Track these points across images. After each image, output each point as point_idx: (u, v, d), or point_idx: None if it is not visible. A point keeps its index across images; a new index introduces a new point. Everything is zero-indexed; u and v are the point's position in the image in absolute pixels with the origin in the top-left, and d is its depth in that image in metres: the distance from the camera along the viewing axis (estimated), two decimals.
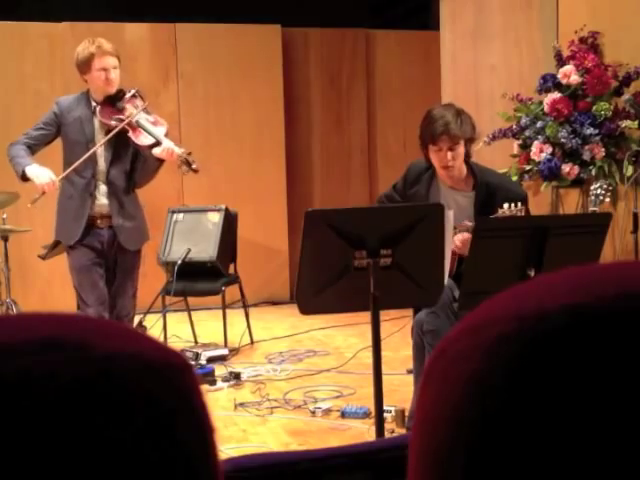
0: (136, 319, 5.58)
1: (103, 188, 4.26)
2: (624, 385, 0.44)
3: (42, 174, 4.14)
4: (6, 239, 5.79)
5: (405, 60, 8.20)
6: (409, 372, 4.46)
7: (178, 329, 6.14)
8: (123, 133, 4.21)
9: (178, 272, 5.50)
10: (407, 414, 3.90)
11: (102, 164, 4.25)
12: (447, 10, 6.32)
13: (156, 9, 7.78)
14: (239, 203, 6.81)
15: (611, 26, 5.00)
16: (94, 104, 4.26)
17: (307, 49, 8.08)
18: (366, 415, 4.11)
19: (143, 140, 4.23)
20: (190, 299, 6.01)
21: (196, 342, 5.96)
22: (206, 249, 5.78)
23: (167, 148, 4.17)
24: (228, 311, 5.82)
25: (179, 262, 5.56)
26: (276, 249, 7.86)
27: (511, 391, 0.46)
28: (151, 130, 4.25)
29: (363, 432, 3.93)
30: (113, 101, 4.27)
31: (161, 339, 5.18)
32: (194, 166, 4.24)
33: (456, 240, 3.51)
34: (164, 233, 5.98)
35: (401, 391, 4.36)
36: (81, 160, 4.15)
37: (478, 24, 6.01)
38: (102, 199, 4.26)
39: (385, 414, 3.40)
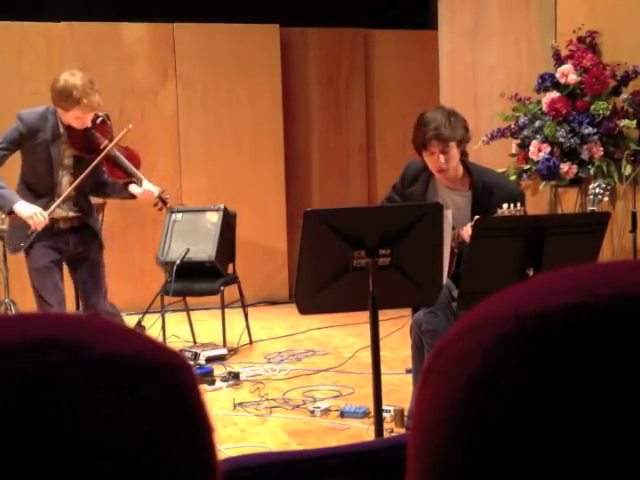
0: (135, 319, 5.60)
1: (65, 205, 4.31)
2: (623, 385, 0.44)
3: (35, 212, 4.12)
4: (4, 239, 5.78)
5: (403, 60, 8.20)
6: (408, 372, 4.46)
7: (177, 329, 6.14)
8: (91, 160, 4.25)
9: (177, 272, 5.49)
10: (406, 414, 3.90)
11: (66, 177, 4.29)
12: (445, 10, 6.32)
13: (154, 9, 7.78)
14: (238, 203, 6.81)
15: (609, 25, 5.00)
16: (62, 129, 4.23)
17: (306, 49, 8.08)
18: (365, 415, 4.12)
19: (119, 177, 4.38)
20: (189, 299, 6.01)
21: (195, 342, 5.96)
22: (205, 249, 5.78)
23: (147, 191, 4.37)
24: (227, 311, 5.82)
25: (178, 262, 5.56)
26: (275, 249, 7.86)
27: (510, 390, 0.46)
28: (129, 168, 4.36)
29: (362, 432, 3.93)
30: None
31: (160, 339, 5.18)
32: (169, 204, 4.59)
33: (464, 233, 3.50)
34: (162, 233, 5.98)
35: (400, 391, 4.36)
36: (66, 193, 4.23)
37: (476, 24, 6.01)
38: (66, 210, 4.32)
39: (384, 414, 3.40)
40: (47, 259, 4.29)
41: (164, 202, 4.49)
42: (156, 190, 4.40)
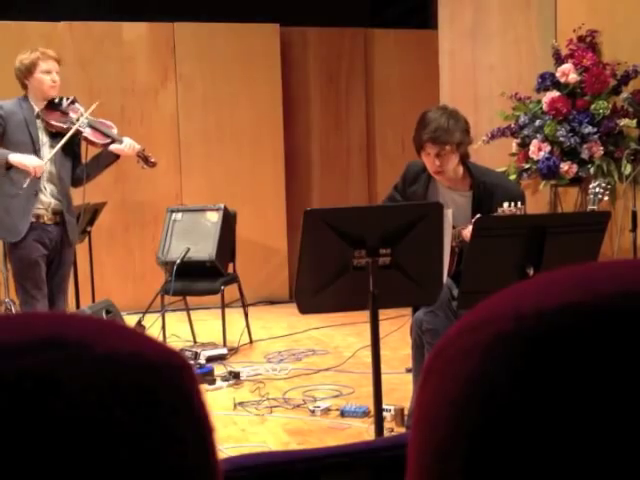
0: (135, 318, 5.60)
1: (50, 187, 4.43)
2: (623, 384, 0.44)
3: (31, 158, 4.27)
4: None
5: (404, 59, 8.19)
6: (408, 371, 4.46)
7: (177, 328, 6.14)
8: (73, 134, 4.43)
9: (177, 272, 5.50)
10: (406, 413, 3.90)
11: (49, 165, 4.40)
12: (446, 9, 6.32)
13: (154, 9, 7.78)
14: (238, 202, 6.82)
15: (609, 25, 5.00)
16: (36, 109, 4.47)
17: (306, 48, 8.08)
18: (365, 414, 4.12)
19: (100, 138, 4.51)
20: (189, 298, 6.01)
21: (195, 341, 5.96)
22: (205, 248, 5.78)
23: (129, 144, 4.52)
24: (227, 310, 5.82)
25: (178, 261, 5.57)
26: (275, 248, 7.86)
27: (510, 390, 0.46)
28: (105, 130, 4.54)
29: (362, 431, 3.93)
30: (55, 106, 4.49)
31: (160, 338, 5.18)
32: (152, 160, 4.63)
33: (466, 232, 3.49)
34: (163, 232, 5.98)
35: (400, 390, 4.36)
36: (46, 159, 4.33)
37: (477, 23, 6.01)
38: (49, 197, 4.42)
39: (384, 413, 3.40)
40: (37, 253, 4.37)
41: (145, 160, 4.60)
42: (137, 145, 4.55)
